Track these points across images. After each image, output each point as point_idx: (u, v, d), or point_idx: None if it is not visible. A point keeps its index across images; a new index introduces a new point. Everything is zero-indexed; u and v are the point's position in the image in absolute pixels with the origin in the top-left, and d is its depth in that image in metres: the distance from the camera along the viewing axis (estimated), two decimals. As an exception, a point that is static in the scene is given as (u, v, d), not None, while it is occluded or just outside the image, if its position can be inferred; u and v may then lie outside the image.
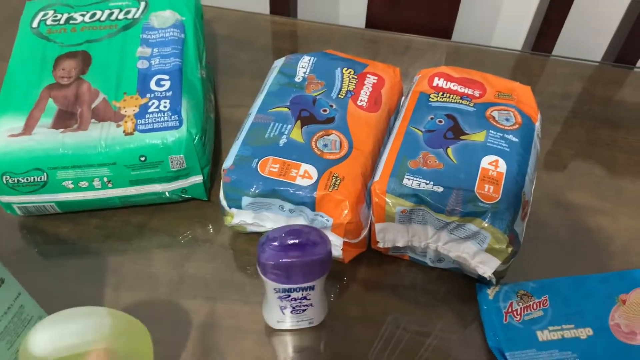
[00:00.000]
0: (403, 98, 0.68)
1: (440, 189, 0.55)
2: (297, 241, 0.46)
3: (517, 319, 0.56)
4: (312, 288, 0.50)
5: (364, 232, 0.59)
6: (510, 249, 0.54)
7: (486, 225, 0.53)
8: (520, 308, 0.57)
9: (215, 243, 0.64)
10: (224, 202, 0.59)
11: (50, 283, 0.60)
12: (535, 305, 0.57)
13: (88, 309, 0.39)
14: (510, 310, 0.57)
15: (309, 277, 0.49)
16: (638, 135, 0.74)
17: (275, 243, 0.46)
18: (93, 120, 0.59)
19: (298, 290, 0.50)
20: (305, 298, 0.51)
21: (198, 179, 0.62)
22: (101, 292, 0.59)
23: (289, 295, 0.51)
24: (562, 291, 0.58)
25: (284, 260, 0.46)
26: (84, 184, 0.59)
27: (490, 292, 0.58)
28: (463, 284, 0.61)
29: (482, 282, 0.59)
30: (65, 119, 0.59)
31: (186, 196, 0.64)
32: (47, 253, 0.63)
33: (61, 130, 0.58)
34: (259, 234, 0.63)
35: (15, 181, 0.58)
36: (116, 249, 0.63)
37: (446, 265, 0.60)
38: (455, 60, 0.83)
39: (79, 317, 0.38)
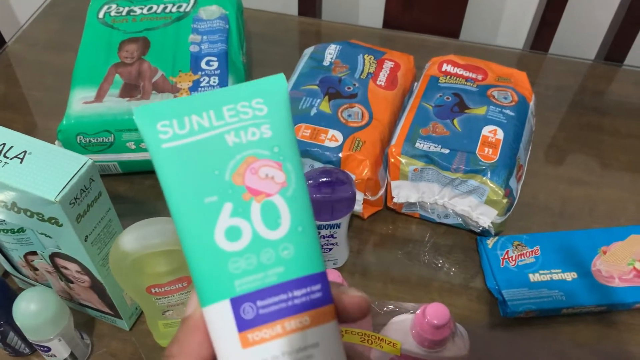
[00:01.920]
0: (416, 83, 0.78)
1: (447, 151, 0.65)
2: (328, 179, 0.56)
3: (512, 264, 0.66)
4: (338, 226, 0.60)
5: (381, 192, 0.69)
6: (505, 201, 0.63)
7: (485, 179, 0.63)
8: (515, 255, 0.66)
9: (252, 202, 0.74)
10: (262, 163, 0.70)
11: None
12: (528, 254, 0.66)
13: (167, 219, 0.49)
14: (506, 256, 0.66)
15: (336, 214, 0.58)
16: (622, 122, 0.84)
17: (311, 181, 0.56)
18: (154, 91, 0.70)
19: (327, 227, 0.60)
20: (332, 236, 0.61)
21: (240, 144, 0.72)
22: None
23: (319, 232, 0.60)
24: (552, 243, 0.67)
25: (317, 196, 0.56)
26: (144, 145, 0.70)
27: (490, 242, 0.68)
28: (466, 238, 0.70)
29: (483, 235, 0.69)
30: (130, 90, 0.70)
31: (228, 161, 0.74)
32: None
33: (127, 99, 0.69)
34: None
35: (87, 141, 0.69)
36: (167, 207, 0.73)
37: (452, 221, 0.70)
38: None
39: (159, 224, 0.48)
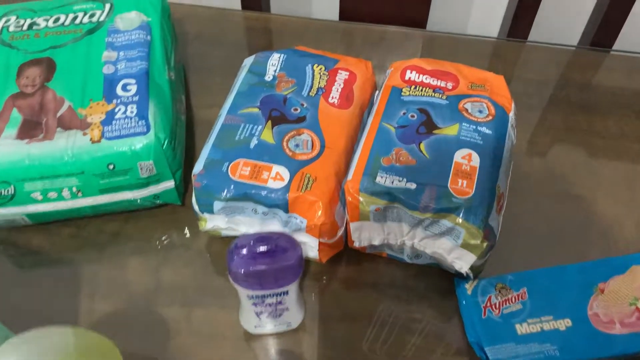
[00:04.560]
0: (377, 92, 0.67)
1: (414, 186, 0.54)
2: (266, 248, 0.45)
3: (496, 313, 0.56)
4: (286, 293, 0.50)
5: (340, 232, 0.59)
6: (485, 244, 0.53)
7: (460, 221, 0.53)
8: (499, 302, 0.57)
9: (191, 248, 0.63)
10: (196, 207, 0.59)
11: (23, 295, 0.59)
12: (513, 299, 0.57)
13: (52, 330, 0.38)
14: (489, 304, 0.56)
15: (281, 282, 0.48)
16: (614, 120, 0.73)
17: (244, 251, 0.45)
18: (59, 129, 0.58)
19: (272, 295, 0.49)
20: (280, 303, 0.51)
21: (170, 184, 0.61)
22: (76, 303, 0.58)
23: (264, 301, 0.50)
24: (541, 282, 0.57)
25: (254, 268, 0.45)
26: (53, 194, 0.58)
27: (469, 287, 0.58)
28: (442, 279, 0.60)
29: (461, 276, 0.59)
30: (31, 129, 0.58)
31: (159, 202, 0.63)
32: (19, 265, 0.62)
33: (26, 140, 0.57)
34: (236, 237, 0.62)
35: (-18, 195, 0.57)
36: (90, 258, 0.62)
37: (424, 261, 0.60)
38: (430, 49, 0.82)
39: (42, 339, 0.38)
